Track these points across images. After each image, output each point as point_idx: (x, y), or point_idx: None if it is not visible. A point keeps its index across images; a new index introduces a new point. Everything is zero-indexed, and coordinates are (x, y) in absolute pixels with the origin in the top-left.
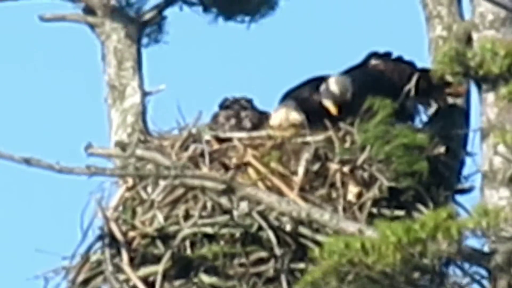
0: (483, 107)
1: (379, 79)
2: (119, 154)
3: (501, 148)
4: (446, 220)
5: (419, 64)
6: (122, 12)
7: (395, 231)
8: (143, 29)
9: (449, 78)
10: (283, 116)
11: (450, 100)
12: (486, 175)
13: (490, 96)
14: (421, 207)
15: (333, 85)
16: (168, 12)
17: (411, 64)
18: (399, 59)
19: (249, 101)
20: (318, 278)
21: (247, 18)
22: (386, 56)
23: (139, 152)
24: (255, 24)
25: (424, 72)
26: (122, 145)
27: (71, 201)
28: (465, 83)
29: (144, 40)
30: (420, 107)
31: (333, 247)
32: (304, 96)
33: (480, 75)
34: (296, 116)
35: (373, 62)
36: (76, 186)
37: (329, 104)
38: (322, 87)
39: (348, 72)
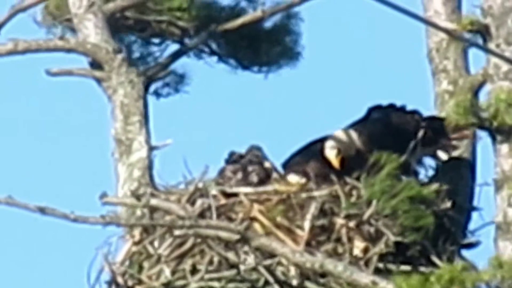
0: (497, 158)
1: (384, 133)
2: (134, 203)
3: None
4: (461, 273)
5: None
6: (128, 67)
7: (411, 283)
8: (150, 83)
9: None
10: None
11: (457, 143)
12: (500, 226)
13: (504, 147)
14: (428, 262)
15: (337, 139)
16: (179, 63)
17: (416, 113)
18: (403, 109)
19: (259, 149)
20: None
21: (265, 69)
22: (390, 108)
23: (153, 201)
24: (268, 75)
25: (430, 120)
26: (136, 195)
27: (80, 254)
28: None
29: (164, 91)
30: (426, 160)
31: None
32: (308, 158)
33: (494, 126)
34: (295, 179)
35: (377, 115)
36: (83, 240)
37: (331, 157)
38: (327, 142)
39: (353, 126)
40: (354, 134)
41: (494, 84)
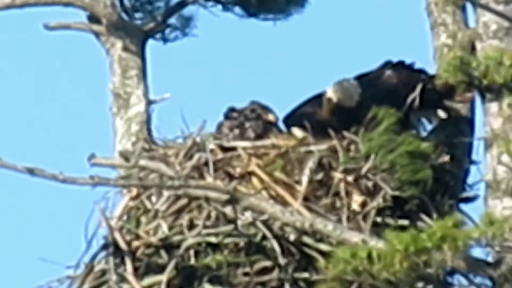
0: (487, 117)
1: (391, 91)
2: (123, 164)
3: (505, 157)
4: (452, 229)
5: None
6: (127, 21)
7: (403, 239)
8: (148, 37)
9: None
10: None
11: (457, 106)
12: (489, 184)
13: (493, 106)
14: (425, 216)
15: (338, 88)
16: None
17: (422, 72)
18: (411, 67)
19: (259, 104)
20: None
21: (271, 16)
22: (400, 65)
23: (142, 162)
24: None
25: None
26: (125, 155)
27: (75, 210)
28: (471, 92)
29: (172, 35)
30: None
31: (339, 256)
32: (308, 112)
33: (484, 85)
34: (298, 133)
35: (387, 72)
36: (80, 196)
37: (323, 106)
38: (327, 90)
39: (360, 78)
40: (357, 86)
41: (484, 43)
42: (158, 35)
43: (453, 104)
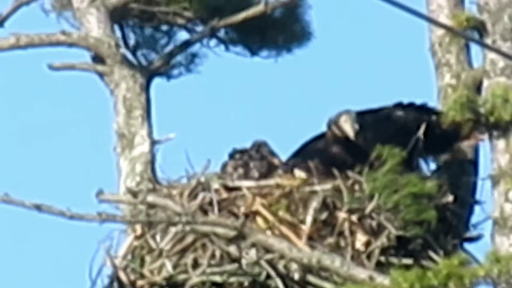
0: (494, 154)
1: (398, 129)
2: (130, 201)
3: None
4: (458, 268)
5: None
6: (131, 61)
7: (408, 278)
8: (152, 77)
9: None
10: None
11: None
12: (497, 221)
13: (501, 143)
14: (429, 255)
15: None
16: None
17: (431, 110)
18: (423, 107)
19: (264, 144)
20: None
21: (273, 53)
22: (410, 106)
23: (150, 198)
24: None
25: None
26: (133, 192)
27: (80, 249)
28: (480, 131)
29: (175, 71)
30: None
31: None
32: (313, 148)
33: (491, 122)
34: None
35: (399, 113)
36: (85, 234)
37: (347, 128)
38: (342, 116)
39: (364, 113)
40: (356, 118)
41: (491, 80)
42: (162, 71)
43: (461, 145)
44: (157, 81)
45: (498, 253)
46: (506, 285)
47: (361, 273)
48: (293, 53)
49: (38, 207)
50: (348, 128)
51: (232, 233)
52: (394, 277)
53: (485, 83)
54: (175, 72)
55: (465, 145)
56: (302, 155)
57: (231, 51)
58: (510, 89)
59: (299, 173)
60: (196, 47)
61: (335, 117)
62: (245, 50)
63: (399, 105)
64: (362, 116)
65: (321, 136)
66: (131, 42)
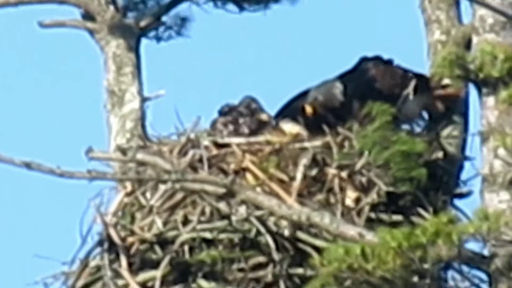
0: (483, 111)
1: (371, 84)
2: (120, 158)
3: (501, 151)
4: (446, 225)
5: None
6: (121, 18)
7: (395, 236)
8: (142, 34)
9: (447, 81)
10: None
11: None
12: (486, 178)
13: (490, 100)
14: (419, 212)
15: (316, 96)
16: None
17: (404, 70)
18: (390, 62)
19: (253, 100)
20: (318, 287)
21: (262, 6)
22: (377, 59)
23: (140, 156)
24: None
25: (418, 77)
26: (122, 149)
27: (70, 206)
28: (464, 86)
29: (165, 34)
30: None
31: (333, 253)
32: (300, 106)
33: (480, 79)
34: (291, 127)
35: (364, 66)
36: (75, 192)
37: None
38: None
39: (341, 77)
40: (339, 86)
41: (480, 37)
42: (152, 34)
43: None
44: (147, 41)
45: (487, 210)
46: (496, 242)
47: (351, 230)
48: (281, 2)
49: (27, 165)
50: (336, 99)
51: (221, 191)
52: (382, 236)
53: (474, 39)
54: (165, 34)
55: (439, 93)
56: (287, 113)
57: (219, 7)
58: (499, 46)
59: (289, 125)
60: (185, 6)
61: (319, 90)
62: (235, 7)
63: (364, 60)
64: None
65: (306, 93)
66: (120, 2)
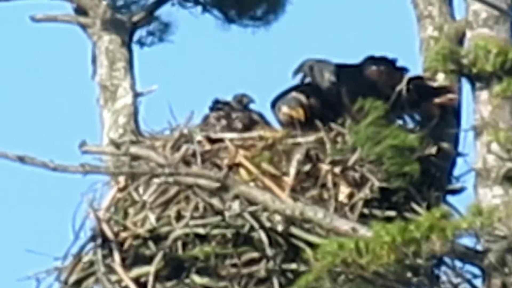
0: (477, 105)
1: (371, 87)
2: (114, 152)
3: (495, 146)
4: (440, 220)
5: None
6: (113, 13)
7: (389, 231)
8: (135, 29)
9: (441, 76)
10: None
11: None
12: (479, 173)
13: (483, 94)
14: (412, 207)
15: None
16: (165, 11)
17: (404, 70)
18: (393, 63)
19: (246, 96)
20: (311, 281)
21: (251, 23)
22: (382, 60)
23: (133, 149)
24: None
25: (416, 79)
26: (116, 143)
27: (63, 201)
28: (457, 84)
29: (148, 39)
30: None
31: (327, 247)
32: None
33: (473, 73)
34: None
35: (369, 67)
36: (68, 186)
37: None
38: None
39: (339, 65)
40: (334, 70)
41: (473, 31)
42: (136, 38)
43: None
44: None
45: (481, 205)
46: (489, 237)
47: (344, 225)
48: (269, 25)
49: (21, 159)
50: (325, 77)
51: (215, 185)
52: (376, 230)
53: (468, 34)
54: (148, 40)
55: (436, 102)
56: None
57: (208, 12)
58: (492, 41)
59: (285, 108)
60: (171, 11)
61: (312, 64)
62: (221, 14)
63: (370, 59)
64: (338, 69)
65: (298, 86)
66: None
